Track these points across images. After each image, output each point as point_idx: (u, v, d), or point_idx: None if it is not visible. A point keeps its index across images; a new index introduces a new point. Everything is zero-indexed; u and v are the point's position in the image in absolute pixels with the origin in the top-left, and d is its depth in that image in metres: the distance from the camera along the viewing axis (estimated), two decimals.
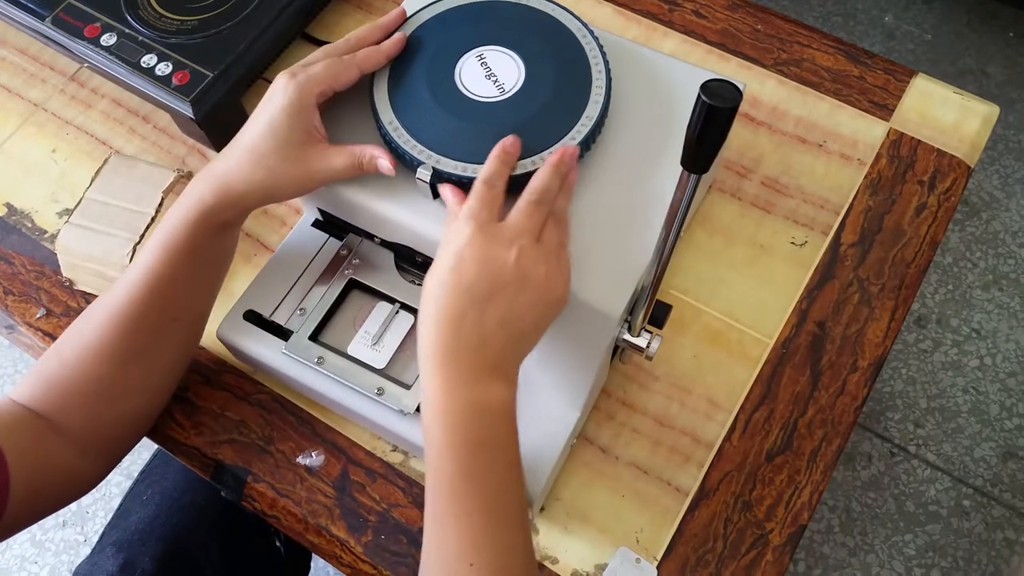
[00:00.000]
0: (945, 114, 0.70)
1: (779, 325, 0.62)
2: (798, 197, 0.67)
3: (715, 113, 0.32)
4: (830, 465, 0.57)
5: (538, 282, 0.44)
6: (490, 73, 0.52)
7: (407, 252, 0.56)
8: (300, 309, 0.57)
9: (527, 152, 0.49)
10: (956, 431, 1.32)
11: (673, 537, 0.55)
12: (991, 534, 1.25)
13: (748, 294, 0.63)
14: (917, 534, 1.25)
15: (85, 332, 0.50)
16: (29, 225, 0.69)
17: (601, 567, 0.54)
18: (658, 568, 0.54)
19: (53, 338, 0.63)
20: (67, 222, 0.63)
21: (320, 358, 0.55)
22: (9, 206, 0.70)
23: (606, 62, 0.52)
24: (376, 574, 0.55)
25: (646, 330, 0.50)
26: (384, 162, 0.50)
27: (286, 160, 0.49)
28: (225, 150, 0.50)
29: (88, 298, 0.65)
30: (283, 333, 0.57)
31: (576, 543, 0.55)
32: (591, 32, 0.54)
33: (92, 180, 0.65)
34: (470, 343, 0.42)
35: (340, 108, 0.54)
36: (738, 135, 0.69)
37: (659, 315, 0.50)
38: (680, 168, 0.37)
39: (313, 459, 0.58)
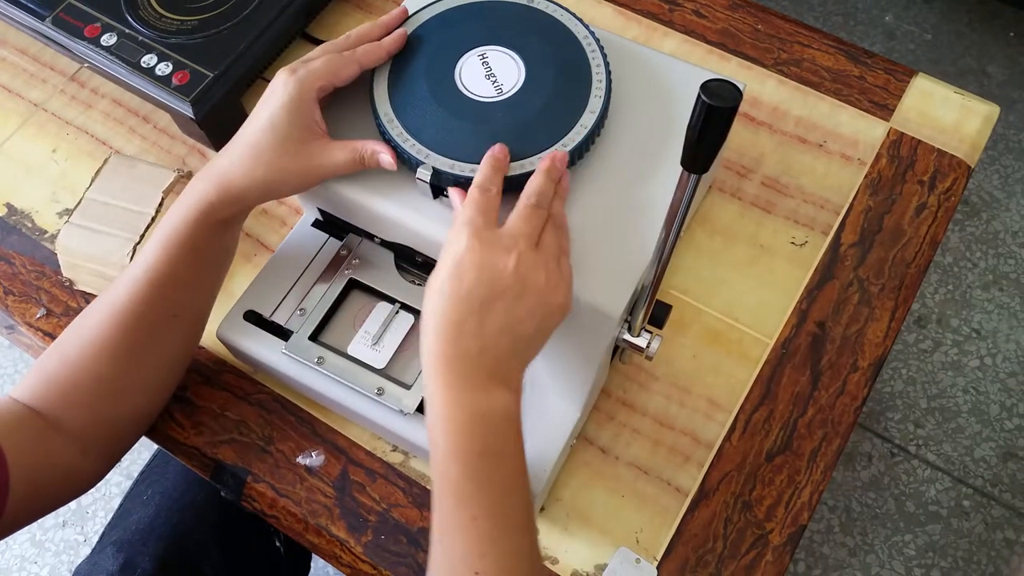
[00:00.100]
0: (945, 114, 0.70)
1: (779, 325, 0.62)
2: (798, 197, 0.67)
3: (715, 113, 0.32)
4: (830, 465, 0.57)
5: (537, 288, 0.43)
6: (490, 73, 0.52)
7: (407, 252, 0.56)
8: (300, 309, 0.57)
9: (527, 152, 0.49)
10: (956, 431, 1.32)
11: (673, 537, 0.55)
12: (991, 534, 1.25)
13: (748, 294, 0.63)
14: (917, 534, 1.25)
15: (86, 329, 0.50)
16: (29, 225, 0.69)
17: (601, 567, 0.54)
18: (658, 568, 0.54)
19: (53, 338, 0.63)
20: (67, 222, 0.64)
21: (320, 358, 0.55)
22: (9, 206, 0.70)
23: (606, 62, 0.52)
24: (376, 574, 0.55)
25: (646, 330, 0.50)
26: (386, 156, 0.49)
27: (287, 155, 0.49)
28: (226, 147, 0.50)
29: (88, 298, 0.65)
30: (283, 333, 0.57)
31: (576, 543, 0.55)
32: (591, 32, 0.54)
33: (92, 180, 0.65)
34: (470, 351, 0.42)
35: (340, 108, 0.54)
36: (738, 135, 0.69)
37: (659, 315, 0.50)
38: (680, 168, 0.37)
39: (313, 459, 0.58)
